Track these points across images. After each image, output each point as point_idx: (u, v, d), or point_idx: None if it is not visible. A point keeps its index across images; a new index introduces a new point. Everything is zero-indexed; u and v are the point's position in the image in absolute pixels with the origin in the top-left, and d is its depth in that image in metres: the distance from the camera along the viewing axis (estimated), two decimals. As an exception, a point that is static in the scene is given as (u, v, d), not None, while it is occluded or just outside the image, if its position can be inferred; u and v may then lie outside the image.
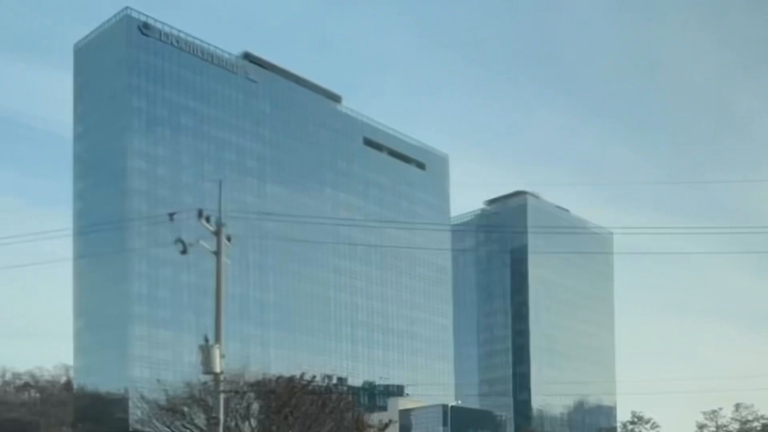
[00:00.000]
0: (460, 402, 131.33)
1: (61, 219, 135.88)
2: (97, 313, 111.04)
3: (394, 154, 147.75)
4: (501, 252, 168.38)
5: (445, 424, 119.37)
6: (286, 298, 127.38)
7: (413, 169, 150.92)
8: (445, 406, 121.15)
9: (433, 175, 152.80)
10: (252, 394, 41.43)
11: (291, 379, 44.60)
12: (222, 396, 23.49)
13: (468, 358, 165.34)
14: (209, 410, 28.50)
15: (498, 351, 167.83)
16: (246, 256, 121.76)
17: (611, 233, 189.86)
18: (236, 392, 38.02)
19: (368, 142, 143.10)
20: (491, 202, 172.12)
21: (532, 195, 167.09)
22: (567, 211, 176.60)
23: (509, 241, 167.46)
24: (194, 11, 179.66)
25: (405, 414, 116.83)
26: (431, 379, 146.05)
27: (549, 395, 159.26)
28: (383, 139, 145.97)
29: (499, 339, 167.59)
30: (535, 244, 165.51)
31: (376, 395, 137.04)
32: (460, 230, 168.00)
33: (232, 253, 24.27)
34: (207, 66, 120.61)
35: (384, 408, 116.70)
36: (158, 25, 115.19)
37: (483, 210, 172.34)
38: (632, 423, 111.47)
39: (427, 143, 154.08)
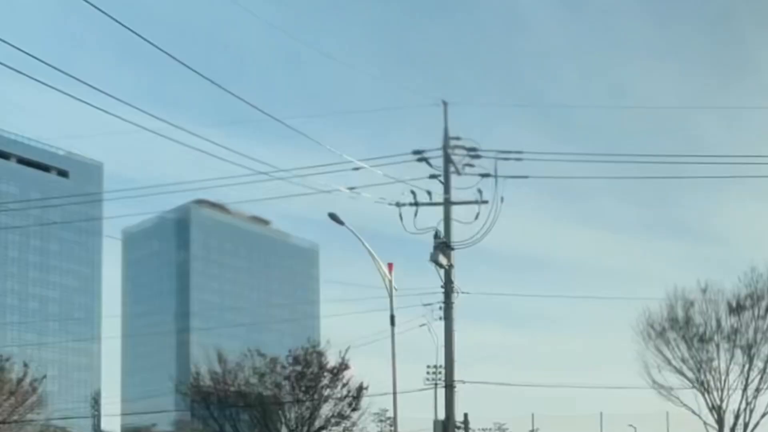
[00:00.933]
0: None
1: None
2: None
3: (24, 161, 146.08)
4: (168, 263, 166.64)
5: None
6: None
7: (53, 177, 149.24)
8: None
9: (79, 183, 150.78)
10: None
11: None
12: None
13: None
14: None
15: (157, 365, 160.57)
16: None
17: (317, 245, 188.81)
18: None
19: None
20: (175, 210, 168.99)
21: (218, 205, 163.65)
22: (268, 223, 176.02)
23: (177, 251, 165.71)
24: None
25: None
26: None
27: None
28: (8, 146, 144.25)
29: (162, 350, 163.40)
30: (204, 254, 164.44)
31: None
32: (132, 237, 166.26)
33: None
34: None
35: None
36: None
37: (159, 217, 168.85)
38: None
39: (75, 152, 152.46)
